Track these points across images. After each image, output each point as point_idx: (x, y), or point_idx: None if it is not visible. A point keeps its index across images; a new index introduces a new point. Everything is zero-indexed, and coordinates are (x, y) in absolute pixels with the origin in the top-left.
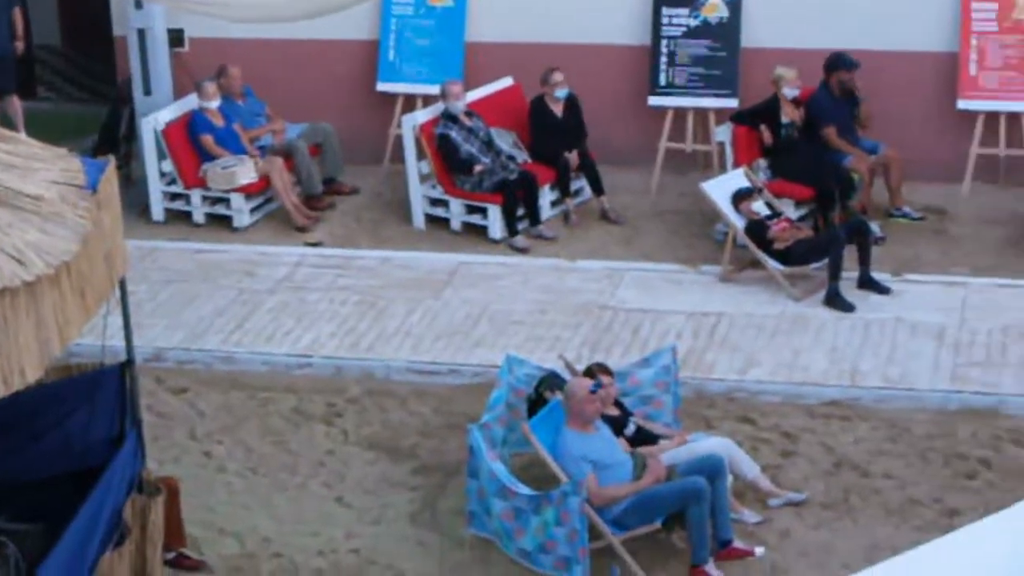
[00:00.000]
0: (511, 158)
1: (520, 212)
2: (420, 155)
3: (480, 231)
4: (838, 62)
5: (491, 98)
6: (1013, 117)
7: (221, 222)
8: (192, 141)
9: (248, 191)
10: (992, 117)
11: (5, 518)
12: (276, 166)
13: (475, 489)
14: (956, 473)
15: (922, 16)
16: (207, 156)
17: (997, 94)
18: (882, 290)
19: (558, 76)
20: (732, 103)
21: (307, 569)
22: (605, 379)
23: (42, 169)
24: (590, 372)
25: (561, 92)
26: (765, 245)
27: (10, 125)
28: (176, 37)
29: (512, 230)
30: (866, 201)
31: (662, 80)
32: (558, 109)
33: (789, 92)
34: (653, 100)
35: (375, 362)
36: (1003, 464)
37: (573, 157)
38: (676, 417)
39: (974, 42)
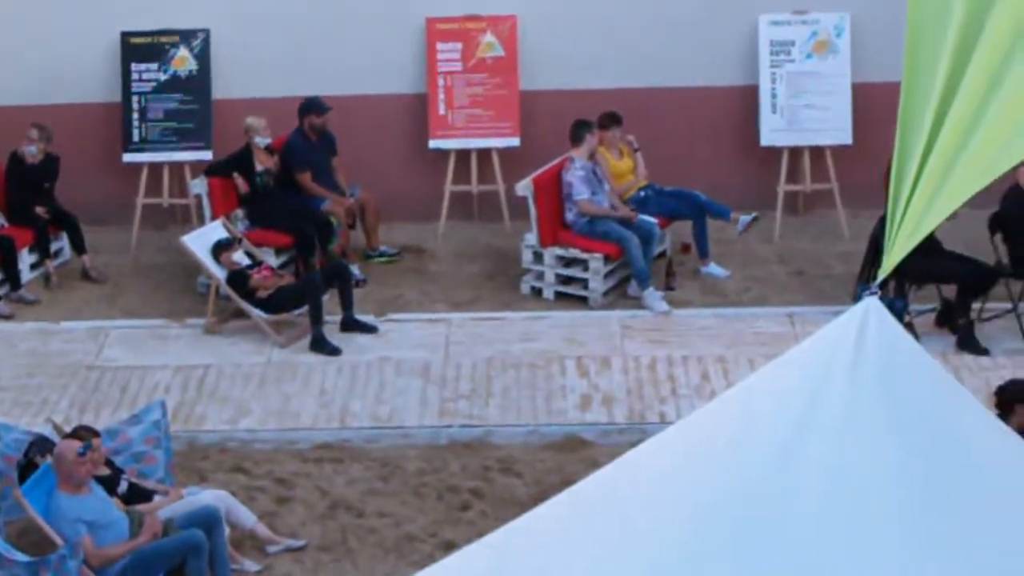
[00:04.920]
0: None
1: (0, 277)
2: None
3: None
4: (310, 106)
5: None
6: (483, 153)
7: None
8: None
9: None
10: (463, 154)
11: None
12: None
13: None
14: (449, 506)
15: (389, 59)
16: None
17: (466, 132)
18: (367, 330)
19: (33, 132)
20: (206, 155)
21: None
22: (93, 440)
23: None
24: (76, 434)
25: (32, 148)
26: (248, 294)
27: None
28: None
29: None
30: (345, 244)
31: (135, 136)
32: (34, 162)
33: (261, 141)
34: (127, 157)
35: None
36: (494, 493)
37: (43, 211)
38: (170, 472)
39: (441, 82)
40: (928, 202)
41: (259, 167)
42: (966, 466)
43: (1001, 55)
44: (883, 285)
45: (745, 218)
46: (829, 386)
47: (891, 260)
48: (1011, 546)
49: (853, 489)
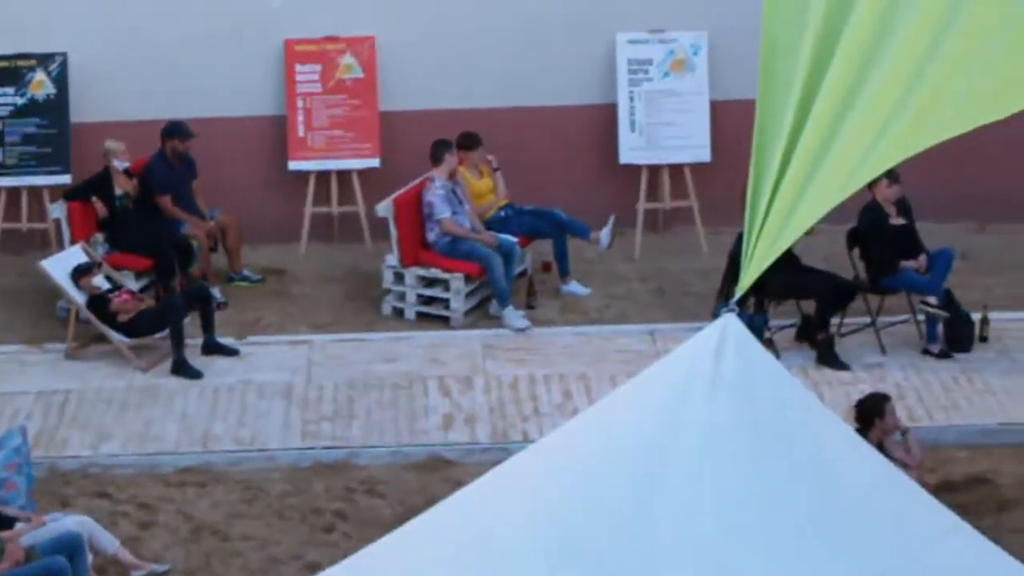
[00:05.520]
0: None
1: None
2: None
3: None
4: (174, 130)
5: None
6: (343, 175)
7: None
8: None
9: None
10: (323, 176)
11: None
12: None
13: None
14: (314, 528)
15: (248, 81)
16: None
17: (326, 153)
18: (229, 353)
19: None
20: (65, 179)
21: None
22: None
23: None
24: None
25: None
26: (109, 319)
27: None
28: None
29: None
30: (206, 267)
31: None
32: None
33: (120, 164)
34: None
35: None
36: (358, 514)
37: None
38: (31, 498)
39: (300, 104)
40: (785, 218)
41: (118, 190)
42: (826, 483)
43: (855, 70)
44: (742, 301)
45: (605, 232)
46: (688, 403)
47: (749, 276)
48: (874, 561)
49: (713, 507)
